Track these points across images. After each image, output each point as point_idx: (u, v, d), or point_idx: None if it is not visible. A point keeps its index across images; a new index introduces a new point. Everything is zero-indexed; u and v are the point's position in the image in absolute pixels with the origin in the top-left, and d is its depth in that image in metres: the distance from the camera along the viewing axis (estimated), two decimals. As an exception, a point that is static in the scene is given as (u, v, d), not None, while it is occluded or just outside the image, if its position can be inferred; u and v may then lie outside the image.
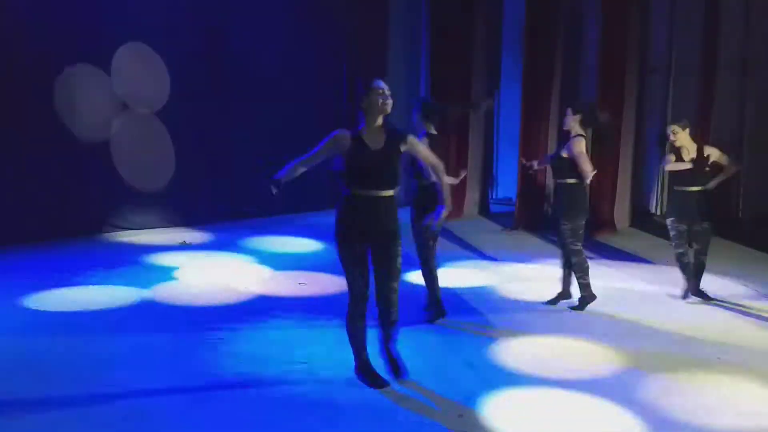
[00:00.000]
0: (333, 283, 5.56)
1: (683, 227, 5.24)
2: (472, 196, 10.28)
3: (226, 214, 8.99)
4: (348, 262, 3.48)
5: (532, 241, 8.45)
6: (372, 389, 3.50)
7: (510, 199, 10.80)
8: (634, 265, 7.00)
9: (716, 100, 8.78)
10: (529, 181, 9.32)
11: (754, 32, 8.96)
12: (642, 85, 9.92)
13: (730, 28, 8.94)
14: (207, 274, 6.30)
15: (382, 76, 3.62)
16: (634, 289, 5.90)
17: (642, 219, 9.57)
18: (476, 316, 4.96)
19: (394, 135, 3.46)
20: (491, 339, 4.41)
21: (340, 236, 3.48)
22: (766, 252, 7.41)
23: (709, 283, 5.47)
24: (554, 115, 9.52)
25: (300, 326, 4.69)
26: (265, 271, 6.43)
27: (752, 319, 4.91)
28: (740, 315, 5.02)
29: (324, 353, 4.08)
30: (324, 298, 5.40)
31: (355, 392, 3.49)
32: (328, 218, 3.84)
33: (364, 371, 3.61)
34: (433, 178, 3.78)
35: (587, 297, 5.06)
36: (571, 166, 4.99)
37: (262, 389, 3.58)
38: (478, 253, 7.53)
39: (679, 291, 5.41)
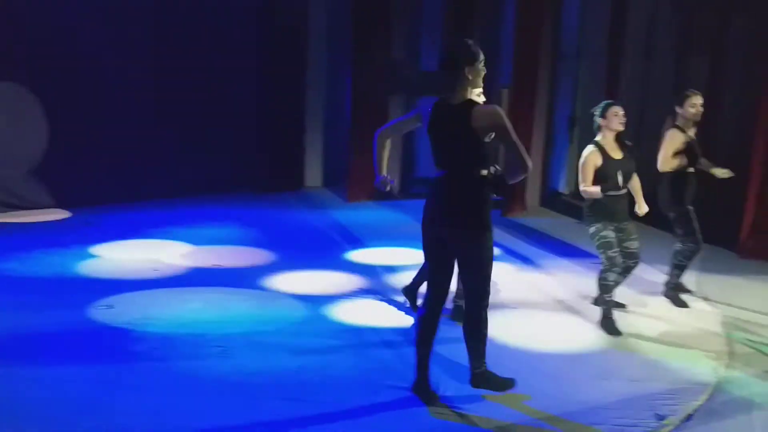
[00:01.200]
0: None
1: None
2: (392, 176, 10.43)
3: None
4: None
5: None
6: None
7: (428, 179, 11.09)
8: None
9: (621, 86, 9.30)
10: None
11: (658, 20, 9.57)
12: (554, 71, 10.40)
13: (635, 15, 9.49)
14: (122, 252, 6.24)
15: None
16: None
17: (551, 198, 10.11)
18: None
19: None
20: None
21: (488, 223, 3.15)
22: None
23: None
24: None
25: (215, 307, 4.71)
26: (181, 248, 6.40)
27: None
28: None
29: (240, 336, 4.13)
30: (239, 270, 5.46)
31: (272, 377, 3.56)
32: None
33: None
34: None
35: None
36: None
37: (176, 371, 3.59)
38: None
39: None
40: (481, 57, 3.23)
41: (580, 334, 4.30)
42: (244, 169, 9.85)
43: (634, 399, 3.33)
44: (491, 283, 3.20)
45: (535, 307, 4.91)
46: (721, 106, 9.43)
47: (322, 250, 6.65)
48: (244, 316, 4.51)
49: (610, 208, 4.32)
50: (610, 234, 4.32)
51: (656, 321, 4.60)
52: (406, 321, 4.46)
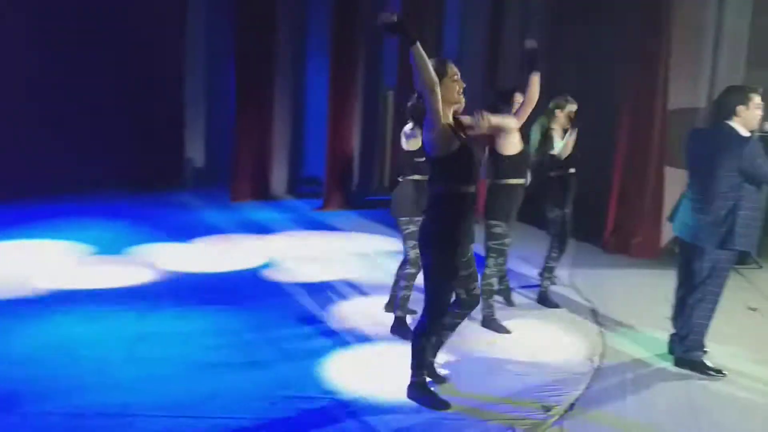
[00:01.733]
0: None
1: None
2: (279, 175, 10.23)
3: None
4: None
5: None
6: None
7: (317, 178, 10.98)
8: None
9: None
10: (338, 161, 9.56)
11: (532, 28, 10.13)
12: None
13: (511, 23, 9.98)
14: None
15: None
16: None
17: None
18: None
19: None
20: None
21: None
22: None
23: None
24: (359, 99, 9.94)
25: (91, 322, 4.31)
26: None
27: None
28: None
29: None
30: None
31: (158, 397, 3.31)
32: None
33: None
34: None
35: None
36: None
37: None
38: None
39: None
40: (450, 71, 3.23)
41: (464, 331, 4.39)
42: (118, 167, 9.19)
43: (521, 392, 3.45)
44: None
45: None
46: (588, 110, 10.24)
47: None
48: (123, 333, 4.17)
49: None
50: (508, 240, 4.39)
51: (534, 316, 4.83)
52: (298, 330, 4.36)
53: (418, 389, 3.29)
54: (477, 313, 4.55)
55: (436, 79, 2.99)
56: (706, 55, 7.67)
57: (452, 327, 3.41)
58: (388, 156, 11.79)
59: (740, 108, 3.67)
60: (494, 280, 4.50)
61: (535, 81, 3.88)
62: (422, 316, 3.23)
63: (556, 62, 10.24)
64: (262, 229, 7.66)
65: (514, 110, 4.21)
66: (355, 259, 6.34)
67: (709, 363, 3.85)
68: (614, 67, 8.26)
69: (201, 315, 4.50)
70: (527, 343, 4.28)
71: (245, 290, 5.17)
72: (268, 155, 9.92)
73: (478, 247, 3.72)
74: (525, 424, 3.11)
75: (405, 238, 4.22)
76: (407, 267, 4.26)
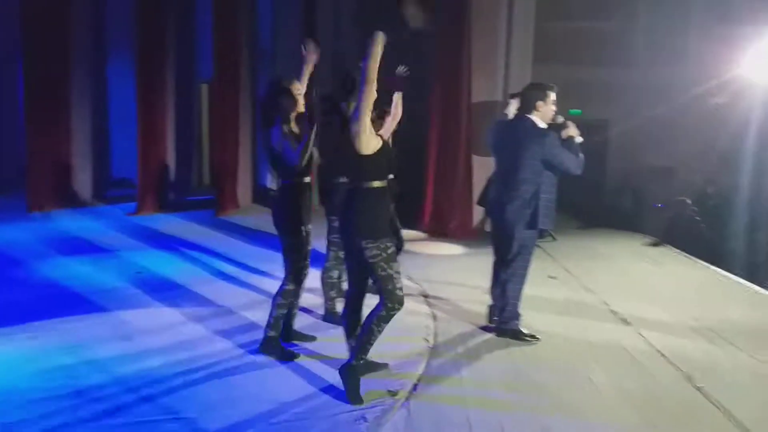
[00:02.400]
0: None
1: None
2: (83, 179, 9.26)
3: None
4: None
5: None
6: None
7: (128, 180, 10.15)
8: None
9: (315, 86, 9.78)
10: (152, 161, 8.93)
11: (341, 25, 10.38)
12: (254, 68, 10.48)
13: (323, 18, 10.13)
14: None
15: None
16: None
17: (261, 195, 10.22)
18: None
19: None
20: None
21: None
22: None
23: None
24: (171, 93, 9.37)
25: None
26: None
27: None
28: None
29: None
30: None
31: None
32: None
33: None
34: None
35: None
36: None
37: None
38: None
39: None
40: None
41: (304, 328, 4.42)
42: None
43: (366, 381, 3.53)
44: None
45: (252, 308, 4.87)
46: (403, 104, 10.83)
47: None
48: None
49: None
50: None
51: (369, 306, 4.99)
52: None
53: (271, 343, 3.78)
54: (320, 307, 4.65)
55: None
56: (500, 53, 8.51)
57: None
58: (206, 153, 11.30)
59: (539, 103, 4.17)
60: (335, 273, 4.55)
61: (398, 100, 3.95)
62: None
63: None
64: (67, 241, 6.90)
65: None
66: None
67: (525, 330, 4.33)
68: (424, 65, 8.80)
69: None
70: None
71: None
72: (68, 158, 8.93)
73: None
74: (374, 412, 3.22)
75: (287, 251, 3.84)
76: (286, 284, 3.86)
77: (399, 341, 4.16)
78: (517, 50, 8.56)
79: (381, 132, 4.10)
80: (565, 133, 4.23)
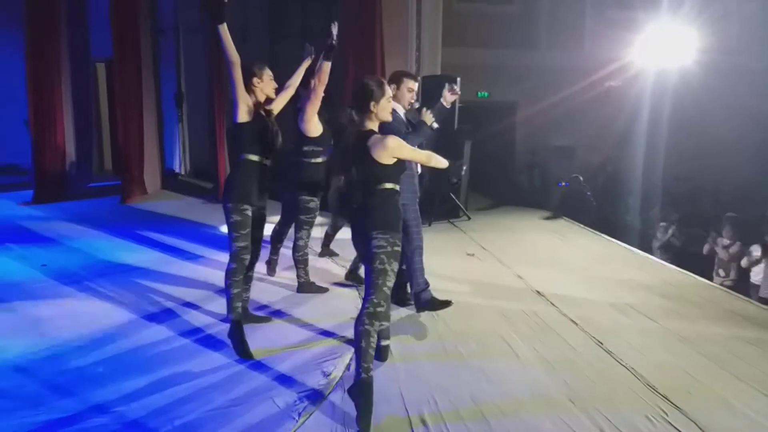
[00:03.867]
0: None
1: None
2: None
3: None
4: None
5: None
6: None
7: (17, 166, 9.43)
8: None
9: (223, 65, 9.41)
10: (47, 146, 8.32)
11: (250, 5, 10.08)
12: (156, 45, 9.98)
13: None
14: None
15: None
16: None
17: (169, 180, 9.82)
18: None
19: None
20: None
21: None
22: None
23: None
24: (66, 73, 8.73)
25: None
26: None
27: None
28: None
29: None
30: None
31: None
32: None
33: None
34: None
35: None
36: None
37: None
38: None
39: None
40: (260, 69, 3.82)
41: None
42: None
43: (302, 365, 3.56)
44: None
45: (168, 295, 4.76)
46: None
47: None
48: None
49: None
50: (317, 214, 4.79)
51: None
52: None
53: (233, 329, 3.68)
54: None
55: (237, 56, 3.60)
56: (411, 36, 8.63)
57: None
58: (107, 136, 10.68)
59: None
60: (308, 251, 4.82)
61: (326, 67, 4.36)
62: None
63: (277, 38, 10.46)
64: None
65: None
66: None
67: (438, 298, 4.39)
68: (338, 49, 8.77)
69: None
70: (299, 315, 4.38)
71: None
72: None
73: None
74: (309, 394, 3.23)
75: (228, 229, 3.79)
76: (229, 263, 3.78)
77: (331, 323, 4.21)
78: (428, 33, 8.72)
79: (311, 99, 4.24)
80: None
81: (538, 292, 5.09)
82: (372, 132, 3.28)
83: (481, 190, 9.65)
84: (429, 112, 4.00)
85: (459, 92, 4.48)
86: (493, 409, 3.11)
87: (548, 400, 3.24)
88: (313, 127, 4.64)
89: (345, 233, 5.66)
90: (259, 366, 3.53)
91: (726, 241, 7.35)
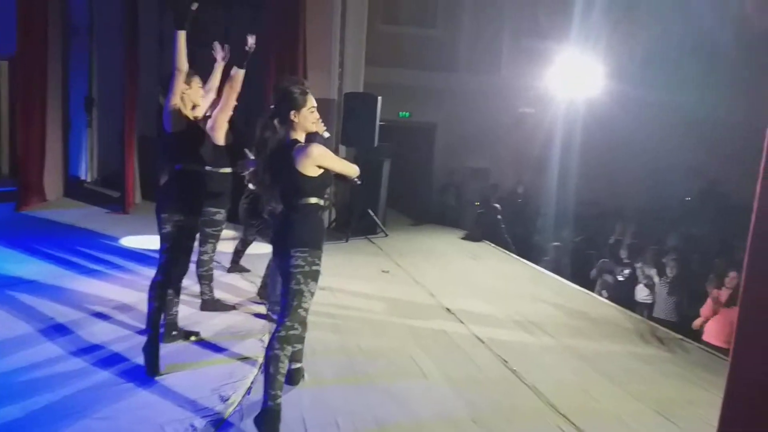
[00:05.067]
0: None
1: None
2: None
3: None
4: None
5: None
6: None
7: None
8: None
9: (141, 69, 9.06)
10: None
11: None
12: (66, 46, 9.45)
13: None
14: None
15: None
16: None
17: (73, 187, 9.26)
18: None
19: None
20: None
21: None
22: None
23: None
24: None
25: None
26: None
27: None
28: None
29: None
30: None
31: None
32: None
33: None
34: None
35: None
36: None
37: None
38: None
39: None
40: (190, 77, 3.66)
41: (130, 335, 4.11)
42: None
43: (198, 387, 3.37)
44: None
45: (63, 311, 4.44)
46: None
47: None
48: None
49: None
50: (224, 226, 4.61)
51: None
52: None
53: (148, 344, 3.48)
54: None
55: (186, 65, 3.49)
56: (335, 53, 8.64)
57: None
58: (5, 138, 9.95)
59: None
60: (213, 265, 4.62)
61: (239, 76, 4.18)
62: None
63: (197, 46, 10.16)
64: None
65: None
66: None
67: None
68: (257, 60, 8.64)
69: None
70: (206, 332, 4.18)
71: None
72: None
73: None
74: (205, 418, 3.07)
75: (160, 239, 3.65)
76: (156, 275, 3.63)
77: (234, 343, 4.05)
78: (351, 51, 8.76)
79: (221, 107, 4.11)
80: None
81: (449, 310, 5.14)
82: (296, 141, 3.11)
83: (399, 208, 9.73)
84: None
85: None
86: None
87: (452, 420, 3.24)
88: (222, 135, 4.46)
89: (257, 248, 5.56)
90: (154, 388, 3.32)
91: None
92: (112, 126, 9.52)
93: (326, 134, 3.41)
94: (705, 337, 5.89)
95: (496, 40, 12.55)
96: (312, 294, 3.04)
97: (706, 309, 6.12)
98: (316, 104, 3.39)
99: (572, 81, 10.97)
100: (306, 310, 3.03)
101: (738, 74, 12.34)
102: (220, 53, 4.28)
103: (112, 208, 8.30)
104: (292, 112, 3.08)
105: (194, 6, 3.43)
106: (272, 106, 3.17)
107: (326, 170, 3.11)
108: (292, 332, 2.97)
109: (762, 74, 11.64)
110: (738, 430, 1.45)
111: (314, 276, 3.03)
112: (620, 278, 7.49)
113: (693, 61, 12.31)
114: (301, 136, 3.13)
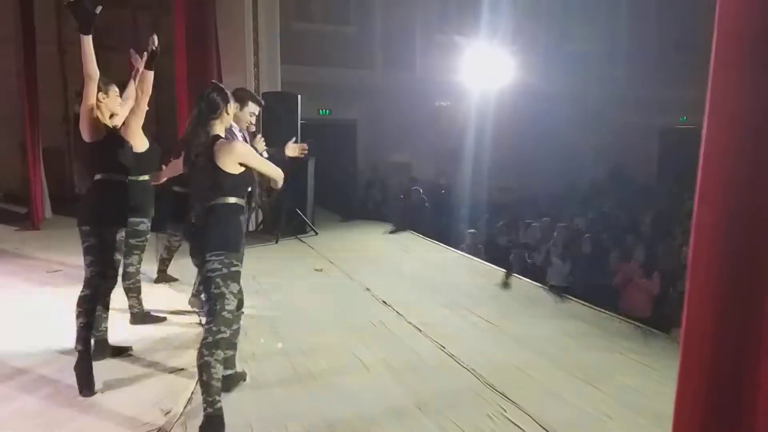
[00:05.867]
0: None
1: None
2: None
3: None
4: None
5: None
6: None
7: None
8: None
9: (39, 76, 8.54)
10: None
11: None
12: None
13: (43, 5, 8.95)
14: None
15: None
16: None
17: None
18: None
19: None
20: None
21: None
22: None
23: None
24: None
25: None
26: None
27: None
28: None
29: None
30: None
31: None
32: None
33: None
34: None
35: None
36: None
37: None
38: None
39: None
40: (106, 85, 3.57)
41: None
42: None
43: (136, 402, 3.26)
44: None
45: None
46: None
47: None
48: None
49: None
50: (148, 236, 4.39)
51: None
52: None
53: (79, 358, 3.33)
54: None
55: (97, 71, 3.36)
56: (249, 52, 8.51)
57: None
58: None
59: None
60: (140, 277, 4.45)
61: (149, 77, 3.80)
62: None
63: (104, 49, 9.71)
64: None
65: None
66: None
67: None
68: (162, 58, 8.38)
69: None
70: (140, 348, 4.04)
71: None
72: None
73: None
74: (147, 432, 2.99)
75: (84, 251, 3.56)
76: (83, 288, 3.53)
77: (170, 355, 3.94)
78: (265, 49, 8.65)
79: (135, 111, 3.91)
80: None
81: (385, 302, 5.22)
82: (218, 137, 3.01)
83: (326, 206, 9.72)
84: (262, 140, 3.91)
85: (306, 153, 4.30)
86: (347, 430, 3.10)
87: (398, 410, 3.31)
88: (138, 141, 4.23)
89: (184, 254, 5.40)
90: (90, 409, 3.18)
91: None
92: (9, 137, 8.96)
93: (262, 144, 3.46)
94: (622, 306, 6.31)
95: (410, 36, 12.79)
96: (234, 295, 2.98)
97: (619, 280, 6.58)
98: (256, 111, 3.60)
99: (483, 74, 11.36)
100: (230, 312, 2.98)
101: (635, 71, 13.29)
102: (138, 61, 4.08)
103: (22, 225, 7.82)
104: (227, 105, 3.04)
105: (98, 9, 3.30)
106: (201, 101, 3.05)
107: (248, 169, 3.04)
108: (219, 336, 2.92)
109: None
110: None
111: (234, 277, 2.98)
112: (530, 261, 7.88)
113: (595, 56, 13.09)
114: (221, 131, 3.06)
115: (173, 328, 4.46)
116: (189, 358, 3.84)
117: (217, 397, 2.88)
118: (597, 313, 5.26)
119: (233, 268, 2.97)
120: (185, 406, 3.27)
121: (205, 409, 2.86)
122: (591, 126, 12.72)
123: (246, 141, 4.11)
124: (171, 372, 3.69)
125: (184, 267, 5.38)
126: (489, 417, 3.24)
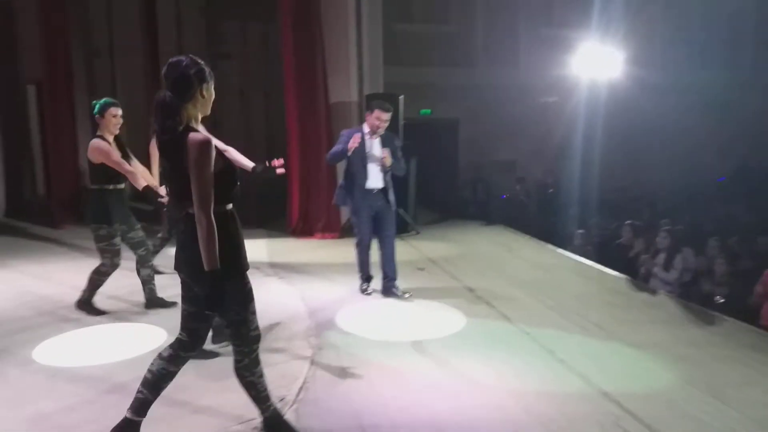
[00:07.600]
0: None
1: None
2: None
3: None
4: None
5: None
6: None
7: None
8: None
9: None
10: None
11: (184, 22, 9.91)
12: (90, 66, 9.68)
13: (164, 16, 9.60)
14: None
15: None
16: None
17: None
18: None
19: None
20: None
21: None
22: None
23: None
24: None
25: None
26: None
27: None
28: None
29: None
30: None
31: None
32: None
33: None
34: None
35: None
36: None
37: None
38: None
39: None
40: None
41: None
42: None
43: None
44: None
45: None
46: (250, 104, 10.62)
47: None
48: None
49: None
50: (118, 240, 4.62)
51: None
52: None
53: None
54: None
55: None
56: (352, 54, 8.66)
57: None
58: (39, 160, 10.18)
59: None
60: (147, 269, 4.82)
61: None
62: None
63: (214, 57, 10.30)
64: None
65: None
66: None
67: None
68: (274, 61, 8.69)
69: None
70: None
71: None
72: None
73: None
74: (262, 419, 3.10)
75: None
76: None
77: (285, 345, 4.09)
78: (369, 52, 8.78)
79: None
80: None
81: (489, 303, 5.11)
82: (190, 129, 2.42)
83: (429, 205, 9.72)
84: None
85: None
86: (451, 425, 3.06)
87: (503, 411, 3.23)
88: (95, 155, 4.48)
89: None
90: (204, 393, 3.37)
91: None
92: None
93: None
94: (765, 321, 5.65)
95: (513, 32, 12.49)
96: (254, 313, 2.65)
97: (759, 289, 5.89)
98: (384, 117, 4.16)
99: (593, 67, 10.86)
100: (257, 327, 2.69)
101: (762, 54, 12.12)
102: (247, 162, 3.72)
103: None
104: (204, 85, 2.46)
105: None
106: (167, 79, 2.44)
107: (226, 165, 2.49)
108: (254, 355, 2.71)
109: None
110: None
111: (250, 296, 2.62)
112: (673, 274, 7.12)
113: (717, 42, 12.10)
114: (198, 121, 2.50)
115: (279, 318, 4.62)
116: (299, 349, 4.00)
117: (269, 403, 2.85)
118: (726, 322, 4.84)
119: (246, 289, 2.60)
120: (297, 394, 3.37)
121: (263, 413, 2.86)
122: (714, 117, 11.75)
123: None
124: (281, 362, 3.81)
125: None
126: (599, 425, 3.08)
